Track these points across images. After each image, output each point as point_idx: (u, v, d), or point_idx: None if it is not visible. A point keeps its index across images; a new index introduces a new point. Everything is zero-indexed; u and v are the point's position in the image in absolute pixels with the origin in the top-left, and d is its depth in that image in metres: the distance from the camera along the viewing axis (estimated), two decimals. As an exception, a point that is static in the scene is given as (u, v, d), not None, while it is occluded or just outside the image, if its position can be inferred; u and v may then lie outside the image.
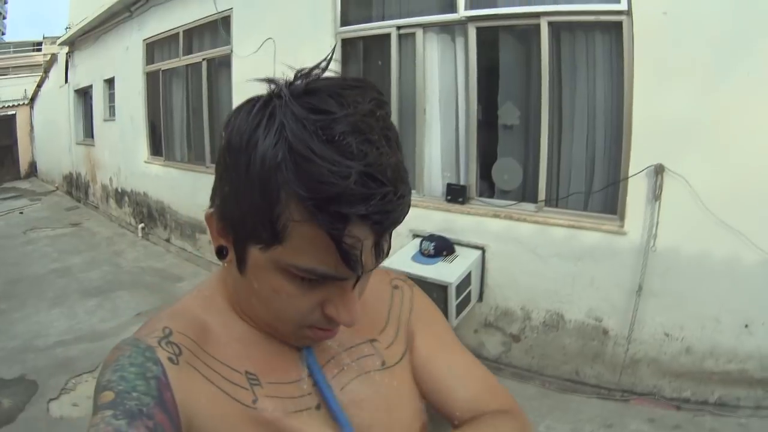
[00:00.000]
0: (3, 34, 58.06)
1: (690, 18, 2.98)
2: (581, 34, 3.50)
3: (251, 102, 0.59)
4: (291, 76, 0.59)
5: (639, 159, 3.18)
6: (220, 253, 0.65)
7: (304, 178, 0.52)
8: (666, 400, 3.31)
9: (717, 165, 2.97)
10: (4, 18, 60.21)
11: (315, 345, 0.71)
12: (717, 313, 3.11)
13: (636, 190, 3.21)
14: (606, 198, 3.47)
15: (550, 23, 3.48)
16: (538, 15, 3.51)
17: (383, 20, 4.42)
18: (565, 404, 3.50)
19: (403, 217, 0.58)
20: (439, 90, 4.23)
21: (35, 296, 5.92)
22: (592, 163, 3.56)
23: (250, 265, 0.62)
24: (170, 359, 0.60)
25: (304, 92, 0.56)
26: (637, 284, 3.24)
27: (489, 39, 3.89)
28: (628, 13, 3.17)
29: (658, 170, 3.09)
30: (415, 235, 4.21)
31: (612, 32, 3.33)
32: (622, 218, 3.32)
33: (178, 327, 0.65)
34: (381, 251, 0.59)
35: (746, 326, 3.04)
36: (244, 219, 0.59)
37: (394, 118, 4.15)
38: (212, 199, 0.65)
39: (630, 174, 3.21)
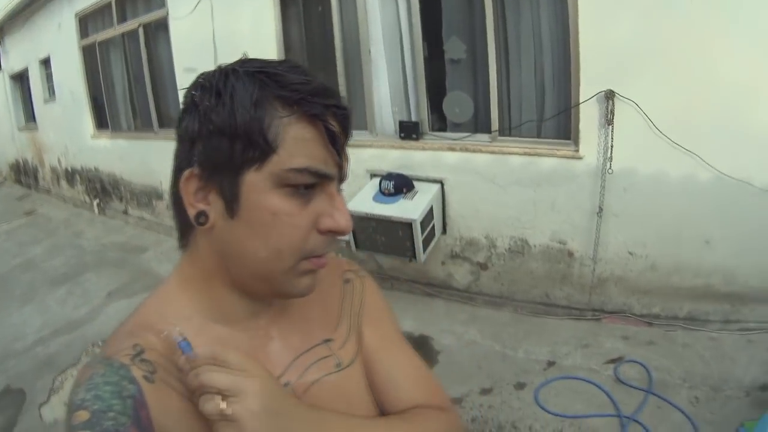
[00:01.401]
0: None
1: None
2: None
3: (203, 74, 0.65)
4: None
5: (589, 85, 3.12)
6: (200, 216, 0.64)
7: (284, 85, 0.61)
8: (637, 317, 3.38)
9: (666, 89, 2.94)
10: None
11: (309, 289, 0.69)
12: (677, 230, 3.15)
13: (588, 115, 3.17)
14: (559, 125, 3.43)
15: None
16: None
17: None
18: (540, 327, 3.56)
19: (350, 129, 0.68)
20: (382, 30, 4.05)
21: (3, 297, 5.62)
22: (542, 91, 3.50)
23: (245, 196, 0.62)
24: (146, 377, 0.59)
25: (242, 63, 0.65)
26: (597, 206, 3.26)
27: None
28: None
29: (609, 95, 3.05)
30: (373, 175, 4.16)
31: None
32: (576, 143, 3.30)
33: (147, 343, 0.64)
34: (346, 153, 0.68)
35: (707, 242, 3.09)
36: (235, 148, 0.60)
37: (339, 62, 4.10)
38: (180, 165, 0.65)
39: (581, 101, 3.17)
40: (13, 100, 10.81)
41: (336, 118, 0.64)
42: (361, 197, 3.92)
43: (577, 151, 3.29)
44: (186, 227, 0.69)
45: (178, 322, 0.67)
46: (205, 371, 0.57)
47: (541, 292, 3.70)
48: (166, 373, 0.62)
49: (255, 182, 0.61)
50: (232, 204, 0.62)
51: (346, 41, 4.26)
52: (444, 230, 3.95)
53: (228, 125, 0.60)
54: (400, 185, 3.81)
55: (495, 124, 3.62)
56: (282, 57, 4.56)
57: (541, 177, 3.44)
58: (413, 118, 4.08)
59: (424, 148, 3.94)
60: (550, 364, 3.15)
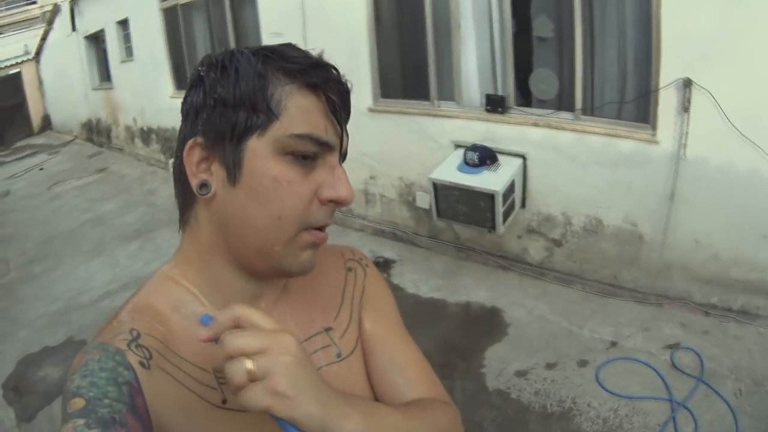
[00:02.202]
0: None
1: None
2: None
3: (209, 54, 0.77)
4: None
5: (668, 72, 3.56)
6: (203, 186, 0.73)
7: (286, 58, 0.72)
8: (696, 305, 3.84)
9: (739, 80, 3.32)
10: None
11: (310, 264, 0.77)
12: (740, 222, 3.56)
13: (666, 101, 3.62)
14: (639, 108, 3.89)
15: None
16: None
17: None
18: (605, 308, 4.06)
19: (350, 109, 0.80)
20: (472, 5, 4.61)
21: (71, 252, 6.25)
22: (624, 73, 3.97)
23: (247, 162, 0.71)
24: (141, 363, 0.64)
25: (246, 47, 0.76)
26: (670, 191, 3.73)
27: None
28: None
29: (687, 83, 3.48)
30: (458, 146, 4.76)
31: None
32: (654, 128, 3.76)
33: (144, 328, 0.69)
34: (345, 127, 0.78)
35: (765, 237, 3.51)
36: (238, 115, 0.70)
37: (429, 33, 4.69)
38: (184, 138, 0.75)
39: (661, 86, 3.62)
40: (88, 60, 12.10)
41: (336, 92, 0.74)
42: (445, 167, 4.54)
43: (654, 135, 3.75)
44: (186, 203, 0.78)
45: (178, 305, 0.75)
46: (228, 337, 0.59)
47: (610, 273, 4.22)
48: (163, 359, 0.68)
49: (257, 148, 0.70)
50: (234, 171, 0.71)
51: (436, 13, 4.84)
52: (523, 204, 4.52)
53: (232, 95, 0.70)
54: (484, 157, 4.38)
55: (578, 103, 4.12)
56: (372, 27, 5.27)
57: (619, 158, 3.93)
58: (499, 93, 4.63)
59: (509, 122, 4.50)
60: (613, 344, 3.65)
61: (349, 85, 0.78)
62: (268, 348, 0.59)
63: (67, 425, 0.54)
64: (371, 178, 5.69)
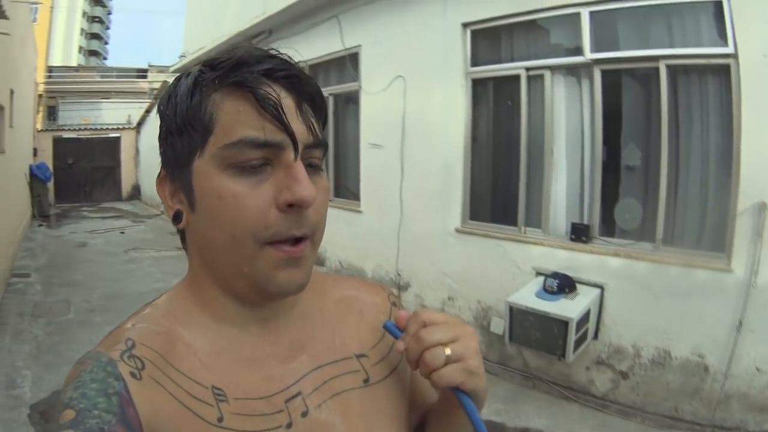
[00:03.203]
0: (105, 58, 66.88)
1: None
2: (695, 76, 4.50)
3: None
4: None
5: (746, 198, 4.05)
6: (177, 217, 0.81)
7: (214, 66, 0.77)
8: None
9: None
10: (106, 43, 69.38)
11: (294, 282, 0.79)
12: None
13: (742, 228, 4.07)
14: (715, 236, 4.34)
15: (667, 66, 4.50)
16: (657, 58, 4.54)
17: (512, 62, 5.67)
18: (662, 441, 4.30)
19: (318, 96, 0.82)
20: (565, 131, 5.35)
21: (133, 312, 7.18)
22: (705, 201, 4.46)
23: (196, 188, 0.77)
24: (132, 374, 0.70)
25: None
26: (738, 320, 4.06)
27: (613, 81, 4.97)
28: (735, 56, 4.10)
29: (762, 207, 3.95)
30: (539, 273, 5.28)
31: (722, 74, 4.28)
32: (729, 256, 4.16)
33: (141, 338, 0.75)
34: (308, 119, 0.78)
35: None
36: (180, 141, 0.77)
37: (522, 157, 5.44)
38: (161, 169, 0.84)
39: (738, 212, 4.08)
40: None
41: (276, 80, 0.76)
42: (524, 292, 5.05)
43: (729, 264, 4.14)
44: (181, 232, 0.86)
45: (185, 320, 0.82)
46: (426, 334, 0.82)
47: (671, 406, 4.45)
48: (158, 370, 0.73)
49: (200, 168, 0.76)
50: (189, 197, 0.78)
51: (531, 138, 5.58)
52: (596, 335, 4.88)
53: (174, 122, 0.78)
54: (563, 285, 4.87)
55: (659, 233, 4.60)
56: (468, 146, 6.07)
57: (693, 288, 4.31)
58: (585, 221, 5.20)
59: (591, 252, 5.01)
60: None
61: (294, 68, 0.80)
62: (459, 337, 0.82)
63: None
64: (449, 298, 6.21)
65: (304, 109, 0.78)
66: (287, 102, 0.76)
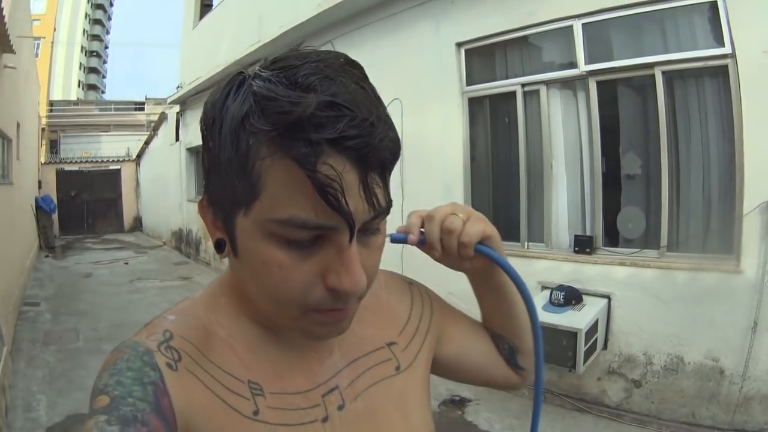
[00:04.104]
0: (103, 92, 67.24)
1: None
2: (692, 80, 4.47)
3: (219, 87, 0.72)
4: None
5: (752, 197, 3.99)
6: (219, 246, 0.74)
7: (269, 114, 0.61)
8: None
9: None
10: (104, 77, 69.66)
11: (333, 334, 0.76)
12: None
13: (749, 228, 4.01)
14: (723, 238, 4.28)
15: (663, 72, 4.47)
16: (652, 65, 4.51)
17: (507, 78, 5.64)
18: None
19: (391, 157, 0.67)
20: (564, 144, 5.31)
21: None
22: (709, 204, 4.41)
23: (239, 240, 0.70)
24: (168, 365, 0.69)
25: (272, 62, 0.68)
26: (752, 321, 3.97)
27: (608, 92, 4.95)
28: (733, 56, 4.08)
29: None
30: (544, 287, 5.20)
31: (719, 76, 4.26)
32: (738, 257, 4.10)
33: (179, 330, 0.74)
34: (372, 195, 0.65)
35: None
36: (225, 187, 0.68)
37: (522, 173, 5.37)
38: (204, 190, 0.77)
39: (744, 213, 4.03)
40: (187, 172, 13.87)
41: (342, 151, 0.62)
42: (531, 306, 4.98)
43: (738, 265, 4.08)
44: None
45: (222, 316, 0.80)
46: (434, 215, 0.86)
47: (687, 412, 4.35)
48: (194, 362, 0.72)
49: (245, 228, 0.68)
50: (232, 242, 0.72)
51: (530, 154, 5.55)
52: (605, 345, 4.80)
53: (217, 161, 0.68)
54: (569, 297, 4.81)
55: (664, 240, 4.54)
56: (467, 163, 6.03)
57: (703, 292, 4.24)
58: (588, 233, 5.15)
59: (596, 262, 4.95)
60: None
61: (384, 126, 0.65)
62: (454, 207, 0.87)
63: (89, 421, 0.61)
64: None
65: (370, 180, 0.65)
66: (350, 178, 0.63)
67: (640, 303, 4.64)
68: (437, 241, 0.85)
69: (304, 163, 0.60)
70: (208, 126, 0.70)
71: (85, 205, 23.06)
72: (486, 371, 1.07)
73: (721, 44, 4.16)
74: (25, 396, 5.47)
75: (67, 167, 23.37)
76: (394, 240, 0.86)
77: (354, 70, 0.68)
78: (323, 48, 0.75)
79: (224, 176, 0.68)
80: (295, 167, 0.61)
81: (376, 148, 0.63)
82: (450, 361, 1.03)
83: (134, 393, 0.63)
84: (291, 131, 0.60)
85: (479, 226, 0.85)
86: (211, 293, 0.84)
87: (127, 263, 13.96)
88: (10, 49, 7.70)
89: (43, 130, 23.57)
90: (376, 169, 0.65)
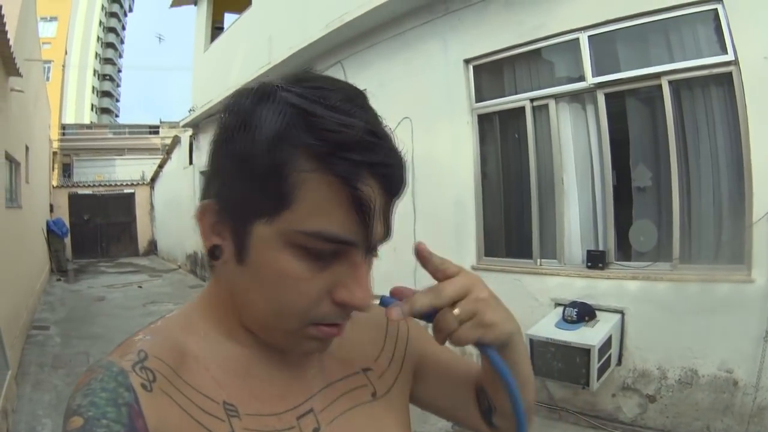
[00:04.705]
0: (117, 116, 68.02)
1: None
2: (698, 89, 4.50)
3: (241, 92, 0.73)
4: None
5: (760, 205, 4.00)
6: (214, 252, 0.75)
7: (315, 130, 0.65)
8: None
9: None
10: (117, 101, 70.50)
11: (317, 350, 0.80)
12: None
13: (759, 236, 4.01)
14: (734, 249, 4.27)
15: (670, 82, 4.50)
16: (658, 75, 4.55)
17: (516, 94, 5.69)
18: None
19: (404, 189, 0.73)
20: (574, 158, 5.34)
21: None
22: (720, 214, 4.41)
23: (253, 248, 0.71)
24: (143, 386, 0.68)
25: (296, 80, 0.71)
26: (765, 330, 3.95)
27: (617, 104, 4.98)
28: (736, 62, 4.11)
29: None
30: (557, 304, 5.20)
31: (724, 84, 4.29)
32: (749, 267, 4.09)
33: (154, 351, 0.73)
34: (389, 219, 0.73)
35: None
36: (248, 192, 0.69)
37: (533, 189, 5.38)
38: (204, 193, 0.77)
39: (753, 221, 4.02)
40: (201, 195, 13.78)
41: (376, 176, 0.68)
42: (543, 324, 4.96)
43: (749, 274, 4.07)
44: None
45: (197, 335, 0.79)
46: (432, 296, 0.75)
47: (702, 425, 4.30)
48: (168, 383, 0.71)
49: (264, 236, 0.69)
50: (241, 251, 0.72)
51: (540, 169, 5.57)
52: (619, 361, 4.77)
53: (245, 166, 0.68)
54: (582, 313, 4.79)
55: (676, 252, 4.53)
56: (479, 180, 6.04)
57: (715, 303, 4.22)
58: (600, 247, 5.14)
59: (609, 277, 4.94)
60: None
61: (404, 161, 0.74)
62: (466, 291, 0.76)
63: None
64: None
65: (390, 206, 0.73)
66: (378, 201, 0.69)
67: (654, 317, 4.61)
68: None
69: (349, 181, 0.65)
70: (233, 129, 0.70)
71: (98, 228, 23.17)
72: (456, 415, 1.05)
73: (724, 51, 4.20)
74: (30, 420, 5.46)
75: (80, 191, 23.56)
76: (383, 303, 0.80)
77: (368, 102, 0.74)
78: (332, 68, 0.76)
79: (246, 182, 0.69)
80: (336, 183, 0.65)
81: (400, 178, 0.71)
82: (421, 396, 1.02)
83: (108, 414, 0.63)
84: (339, 150, 0.65)
85: (474, 334, 0.76)
86: (185, 312, 0.84)
87: (141, 287, 14.02)
88: (16, 72, 7.77)
89: (55, 153, 23.87)
90: (395, 196, 0.72)
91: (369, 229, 0.68)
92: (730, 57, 4.16)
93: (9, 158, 8.77)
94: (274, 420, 0.77)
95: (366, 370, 0.92)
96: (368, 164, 0.66)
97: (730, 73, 4.21)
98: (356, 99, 0.71)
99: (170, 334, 0.78)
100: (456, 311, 0.74)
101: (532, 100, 5.54)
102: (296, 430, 0.78)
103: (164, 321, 0.83)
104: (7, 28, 6.24)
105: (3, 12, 5.89)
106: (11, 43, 6.69)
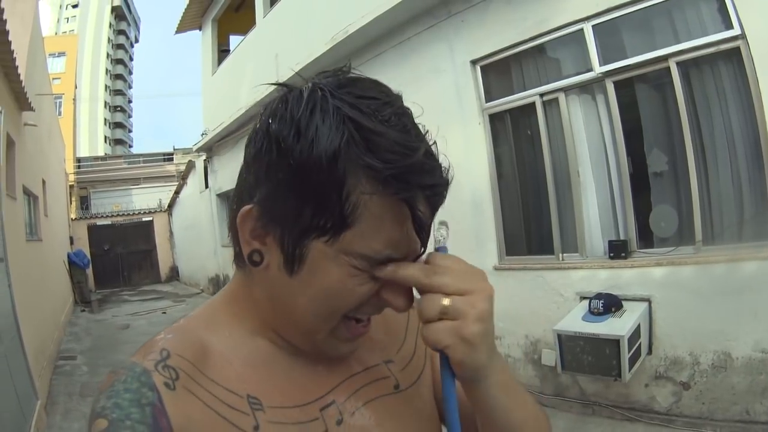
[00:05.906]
0: (130, 146, 68.74)
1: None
2: (707, 68, 4.49)
3: (288, 98, 0.72)
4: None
5: None
6: (252, 257, 0.75)
7: (377, 151, 0.65)
8: None
9: None
10: (130, 131, 71.31)
11: (348, 352, 0.83)
12: None
13: None
14: (757, 224, 4.24)
15: (678, 63, 4.49)
16: (666, 58, 4.54)
17: (525, 90, 5.70)
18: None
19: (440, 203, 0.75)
20: (588, 149, 5.33)
21: None
22: (740, 191, 4.38)
23: (310, 262, 0.71)
24: (166, 384, 0.69)
25: (340, 85, 0.71)
26: None
27: (626, 91, 4.98)
28: (743, 36, 4.09)
29: None
30: (582, 298, 5.17)
31: (733, 59, 4.27)
32: None
33: (176, 349, 0.74)
34: (429, 234, 0.75)
35: None
36: (304, 207, 0.69)
37: (550, 185, 5.38)
38: (241, 198, 0.76)
39: None
40: (219, 217, 14.09)
41: (430, 197, 0.71)
42: (570, 318, 4.94)
43: None
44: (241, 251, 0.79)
45: (220, 331, 0.80)
46: (434, 273, 0.72)
47: (741, 409, 4.24)
48: (192, 380, 0.72)
49: (323, 253, 0.70)
50: (292, 263, 0.72)
51: (556, 164, 5.57)
52: (650, 350, 4.73)
53: (300, 181, 0.68)
54: (609, 304, 4.75)
55: (699, 234, 4.50)
56: (494, 180, 6.04)
57: (744, 283, 4.16)
58: (621, 236, 5.12)
59: (632, 266, 4.91)
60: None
61: (450, 178, 0.75)
62: (468, 291, 0.71)
63: None
64: (496, 337, 6.03)
65: (431, 222, 0.75)
66: (428, 220, 0.74)
67: (681, 302, 4.57)
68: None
69: (410, 203, 0.68)
70: (283, 138, 0.69)
71: (119, 258, 23.48)
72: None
73: (730, 27, 4.19)
74: (60, 448, 5.40)
75: (99, 222, 23.99)
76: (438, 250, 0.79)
77: (410, 111, 0.75)
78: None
79: (301, 196, 0.69)
80: (398, 206, 0.68)
81: (445, 196, 0.74)
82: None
83: (132, 415, 0.64)
84: (404, 173, 0.66)
85: (446, 338, 0.70)
86: (209, 310, 0.85)
87: (165, 312, 14.16)
88: (29, 107, 7.91)
89: (71, 186, 24.18)
90: (437, 211, 0.75)
91: (424, 245, 0.73)
92: (736, 31, 4.15)
93: (27, 192, 8.95)
94: (297, 412, 0.78)
95: (387, 362, 0.92)
96: (427, 186, 0.69)
97: (738, 48, 4.20)
98: (405, 111, 0.73)
99: (193, 332, 0.79)
100: (446, 301, 0.70)
101: (541, 95, 5.55)
102: (320, 421, 0.79)
103: (186, 320, 0.84)
104: (17, 63, 6.36)
105: (13, 47, 5.99)
106: (22, 78, 6.82)
